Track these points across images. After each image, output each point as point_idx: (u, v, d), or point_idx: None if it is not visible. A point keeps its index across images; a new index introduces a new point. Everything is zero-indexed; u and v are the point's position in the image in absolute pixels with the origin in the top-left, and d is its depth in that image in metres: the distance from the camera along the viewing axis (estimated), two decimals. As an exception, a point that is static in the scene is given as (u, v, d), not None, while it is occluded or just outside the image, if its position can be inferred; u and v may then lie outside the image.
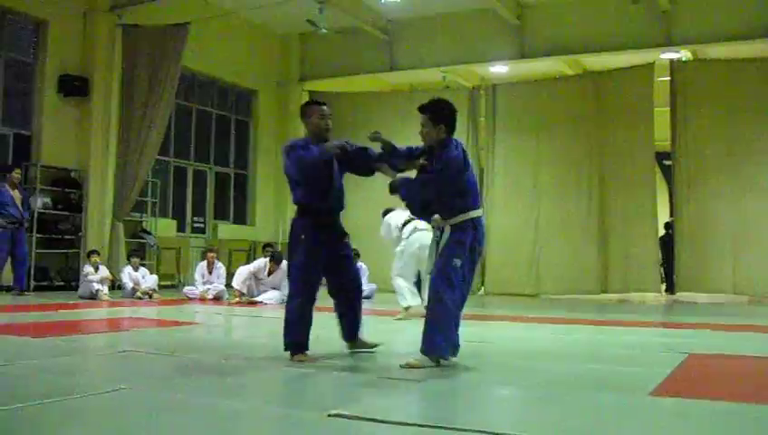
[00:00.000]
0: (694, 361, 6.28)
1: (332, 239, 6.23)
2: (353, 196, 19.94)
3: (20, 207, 13.17)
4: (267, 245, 14.21)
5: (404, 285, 10.13)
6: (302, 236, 6.03)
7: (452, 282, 5.62)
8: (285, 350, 5.91)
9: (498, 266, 17.53)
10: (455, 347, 5.76)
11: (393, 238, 10.64)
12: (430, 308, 5.72)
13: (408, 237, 10.26)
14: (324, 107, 6.27)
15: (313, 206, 6.10)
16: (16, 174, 13.41)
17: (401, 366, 5.47)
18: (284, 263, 13.71)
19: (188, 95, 18.04)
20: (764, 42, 15.62)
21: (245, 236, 18.87)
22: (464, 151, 5.91)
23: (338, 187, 6.24)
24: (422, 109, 5.95)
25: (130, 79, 15.59)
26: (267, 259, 13.48)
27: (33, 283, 13.81)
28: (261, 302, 12.81)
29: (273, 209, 19.75)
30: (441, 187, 5.70)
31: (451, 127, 5.90)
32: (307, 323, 6.00)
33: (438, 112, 5.91)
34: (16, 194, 13.23)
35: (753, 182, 15.51)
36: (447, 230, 5.70)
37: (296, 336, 5.94)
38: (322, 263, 6.11)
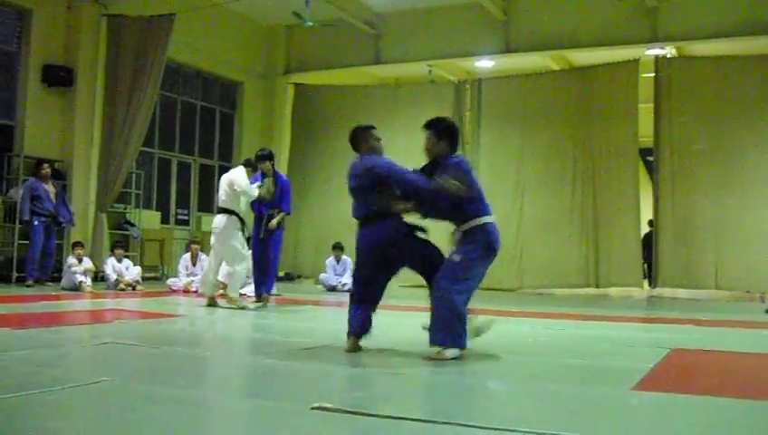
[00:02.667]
0: (676, 356, 6.32)
1: None
2: (340, 189, 20.05)
3: (53, 201, 13.55)
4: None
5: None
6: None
7: (457, 277, 5.86)
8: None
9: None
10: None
11: None
12: (442, 305, 5.80)
13: None
14: (375, 130, 6.59)
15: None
16: (47, 168, 13.73)
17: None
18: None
19: (173, 86, 17.96)
20: (748, 39, 15.73)
21: (230, 229, 18.80)
22: (467, 163, 6.31)
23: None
24: (426, 125, 6.27)
25: (115, 69, 15.48)
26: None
27: (15, 274, 13.74)
28: (244, 294, 12.78)
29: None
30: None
31: (453, 143, 6.23)
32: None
33: (441, 129, 6.25)
34: (50, 188, 13.64)
35: (736, 179, 15.57)
36: (459, 236, 6.07)
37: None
38: None
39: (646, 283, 17.00)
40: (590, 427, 3.81)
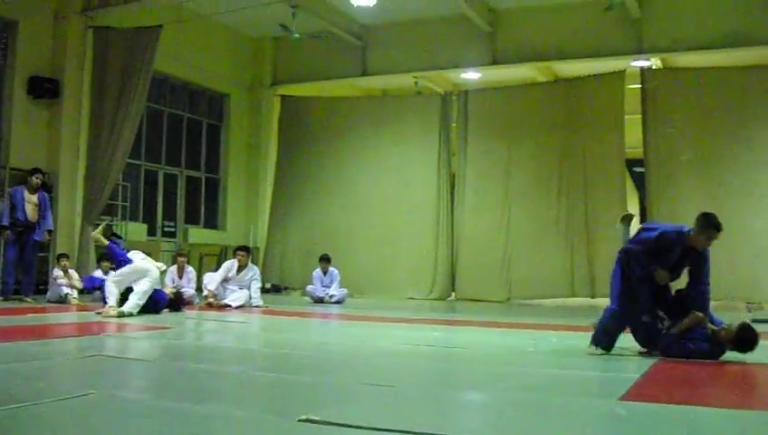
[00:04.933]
0: (663, 365, 6.33)
1: None
2: (330, 200, 20.08)
3: (27, 212, 12.95)
4: (240, 248, 14.23)
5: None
6: None
7: None
8: None
9: (469, 272, 17.59)
10: None
11: None
12: None
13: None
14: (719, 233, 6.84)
15: None
16: (36, 179, 13.20)
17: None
18: (254, 267, 13.78)
19: (160, 98, 17.96)
20: (731, 51, 15.89)
21: (216, 241, 18.78)
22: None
23: None
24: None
25: (101, 81, 15.47)
26: (235, 260, 13.44)
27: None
28: (229, 305, 12.78)
29: (245, 214, 19.71)
30: None
31: None
32: None
33: None
34: (32, 198, 13.08)
35: (723, 189, 15.65)
36: None
37: None
38: None
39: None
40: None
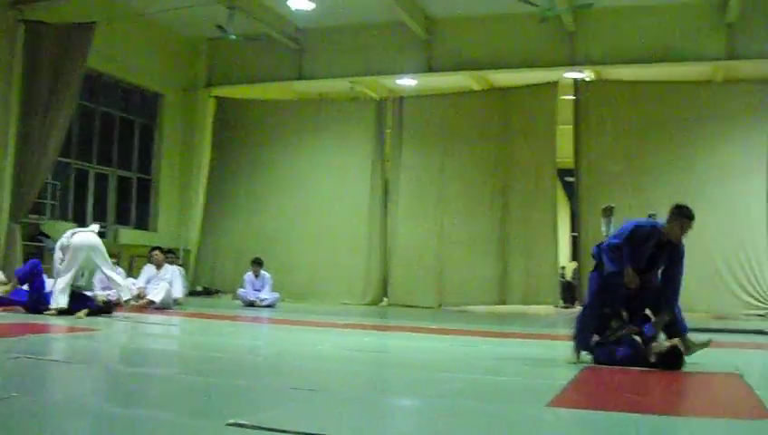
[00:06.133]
0: (591, 372, 6.43)
1: None
2: (264, 204, 19.93)
3: None
4: (153, 248, 14.21)
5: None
6: None
7: None
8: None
9: (401, 278, 17.65)
10: None
11: None
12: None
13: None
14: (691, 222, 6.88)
15: None
16: None
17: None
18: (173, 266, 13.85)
19: (92, 96, 17.65)
20: (663, 66, 16.38)
21: (147, 242, 18.44)
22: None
23: None
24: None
25: (32, 77, 15.17)
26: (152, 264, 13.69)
27: None
28: (153, 301, 12.76)
29: (177, 216, 19.48)
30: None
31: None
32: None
33: None
34: None
35: (652, 198, 15.95)
36: None
37: None
38: None
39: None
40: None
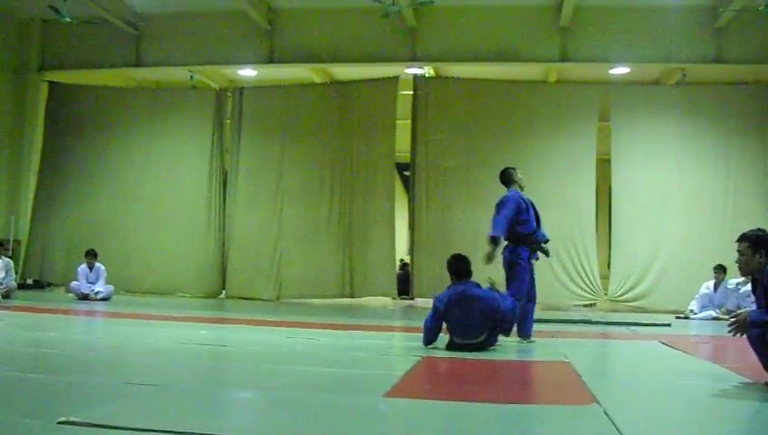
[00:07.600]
0: (428, 363, 6.60)
1: None
2: (98, 194, 19.30)
3: None
4: (-1, 243, 13.68)
5: None
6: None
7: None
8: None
9: (239, 270, 17.53)
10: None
11: None
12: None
13: None
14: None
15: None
16: None
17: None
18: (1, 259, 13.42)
19: None
20: (500, 65, 17.04)
21: (-27, 232, 17.69)
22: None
23: None
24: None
25: None
26: None
27: None
28: None
29: (5, 204, 18.56)
30: None
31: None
32: None
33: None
34: None
35: (488, 193, 16.40)
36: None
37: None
38: None
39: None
40: None
